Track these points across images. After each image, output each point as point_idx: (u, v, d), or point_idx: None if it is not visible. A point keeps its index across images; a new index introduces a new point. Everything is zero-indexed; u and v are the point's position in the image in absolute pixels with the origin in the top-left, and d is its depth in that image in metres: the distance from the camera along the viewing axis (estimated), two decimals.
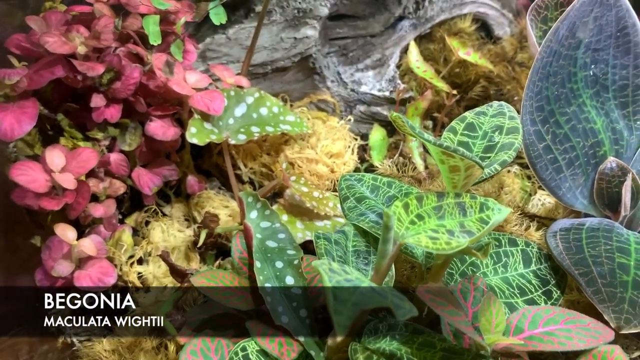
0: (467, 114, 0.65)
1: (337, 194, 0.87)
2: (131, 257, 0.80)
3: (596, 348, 0.54)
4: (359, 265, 0.62)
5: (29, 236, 0.78)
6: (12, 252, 0.80)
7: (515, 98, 0.97)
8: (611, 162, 0.73)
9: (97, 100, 0.74)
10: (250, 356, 0.58)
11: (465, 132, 0.64)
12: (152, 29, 0.69)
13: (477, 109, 0.66)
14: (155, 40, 0.70)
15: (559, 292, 0.65)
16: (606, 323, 0.57)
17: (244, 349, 0.58)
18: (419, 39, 1.05)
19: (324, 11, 0.90)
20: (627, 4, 0.74)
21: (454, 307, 0.52)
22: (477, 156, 0.62)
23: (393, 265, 0.63)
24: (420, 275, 0.64)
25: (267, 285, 0.65)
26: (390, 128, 0.98)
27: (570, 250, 0.63)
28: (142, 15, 0.78)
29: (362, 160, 0.94)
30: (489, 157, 0.61)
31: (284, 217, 0.79)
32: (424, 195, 0.54)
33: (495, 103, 0.66)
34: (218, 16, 0.72)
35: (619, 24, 0.73)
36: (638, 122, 0.76)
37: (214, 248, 0.82)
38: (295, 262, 0.67)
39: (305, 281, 0.66)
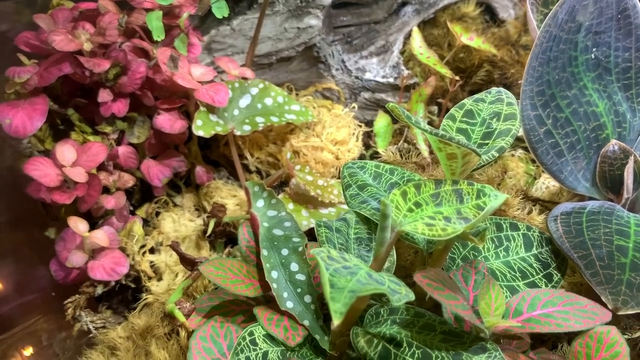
0: (466, 100, 0.66)
1: None
2: (143, 246, 0.82)
3: (592, 329, 0.54)
4: (361, 252, 0.64)
5: (45, 228, 0.81)
6: (30, 244, 0.83)
7: (519, 81, 0.97)
8: (613, 144, 0.73)
9: (104, 95, 0.76)
10: (257, 340, 0.60)
11: (464, 119, 0.65)
12: (155, 25, 0.70)
13: (476, 96, 0.66)
14: (158, 35, 0.71)
15: (559, 275, 0.66)
16: (605, 305, 0.58)
17: (251, 333, 0.60)
18: (423, 25, 1.05)
19: (327, 0, 0.91)
20: None
21: (452, 291, 0.53)
22: (475, 143, 0.63)
23: (394, 251, 0.64)
24: (422, 261, 0.66)
25: (273, 272, 0.67)
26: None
27: (570, 234, 0.64)
28: (147, 10, 0.79)
29: (367, 146, 0.95)
30: (487, 144, 0.62)
31: (290, 206, 0.80)
32: (422, 182, 0.56)
33: (494, 89, 0.66)
34: (220, 10, 0.73)
35: (619, 6, 0.73)
36: None
37: (223, 236, 0.84)
38: (300, 249, 0.69)
39: (309, 267, 0.68)
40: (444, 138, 0.53)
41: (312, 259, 0.70)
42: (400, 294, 0.46)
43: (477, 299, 0.60)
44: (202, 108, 0.78)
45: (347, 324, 0.58)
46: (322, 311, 0.65)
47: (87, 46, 0.73)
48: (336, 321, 0.42)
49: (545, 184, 0.86)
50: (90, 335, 0.76)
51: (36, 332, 0.76)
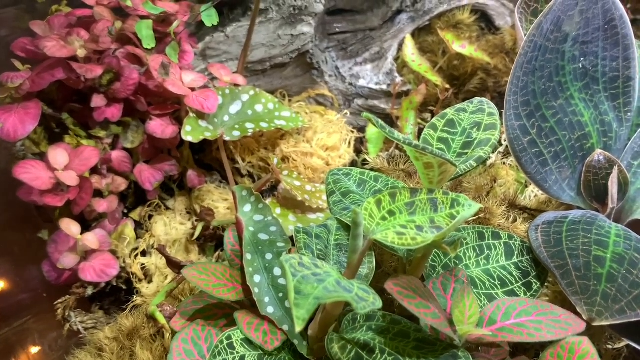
0: (448, 110, 0.67)
1: None
2: (135, 249, 0.83)
3: (564, 339, 0.55)
4: (340, 259, 0.65)
5: (38, 230, 0.82)
6: (23, 245, 0.85)
7: None
8: (598, 154, 0.73)
9: (97, 101, 0.78)
10: (235, 344, 0.61)
11: (446, 128, 0.65)
12: (146, 33, 0.71)
13: (458, 106, 0.67)
14: (149, 44, 0.73)
15: (539, 283, 0.66)
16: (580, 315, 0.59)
17: (229, 337, 0.61)
18: (418, 32, 1.06)
19: (319, 8, 0.92)
20: None
21: (423, 299, 0.54)
22: (455, 152, 0.64)
23: (374, 258, 0.65)
24: (402, 268, 0.66)
25: (256, 276, 0.68)
26: (388, 121, 1.00)
27: (549, 244, 0.64)
28: (142, 18, 0.81)
29: (358, 152, 0.96)
30: (466, 153, 0.63)
31: (277, 211, 0.81)
32: (398, 191, 0.56)
33: (475, 99, 0.67)
34: (210, 18, 0.75)
35: (606, 17, 0.73)
36: (629, 114, 0.76)
37: (214, 240, 0.86)
38: (284, 254, 0.70)
39: None
40: (418, 148, 0.54)
41: None
42: (367, 302, 0.46)
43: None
44: (191, 114, 0.79)
45: (324, 329, 0.59)
46: None
47: (81, 52, 0.75)
48: (298, 327, 0.42)
49: (535, 193, 0.86)
50: (80, 335, 0.78)
51: (27, 332, 0.77)
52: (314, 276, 0.48)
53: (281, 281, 0.68)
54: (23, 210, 0.83)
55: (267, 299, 0.66)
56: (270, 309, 0.65)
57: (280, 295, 0.67)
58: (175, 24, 0.75)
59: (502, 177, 0.89)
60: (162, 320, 0.62)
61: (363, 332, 0.57)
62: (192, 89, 0.79)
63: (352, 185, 0.71)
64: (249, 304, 0.71)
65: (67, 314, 0.77)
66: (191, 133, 0.78)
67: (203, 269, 0.69)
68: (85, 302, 0.82)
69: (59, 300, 0.77)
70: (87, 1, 0.82)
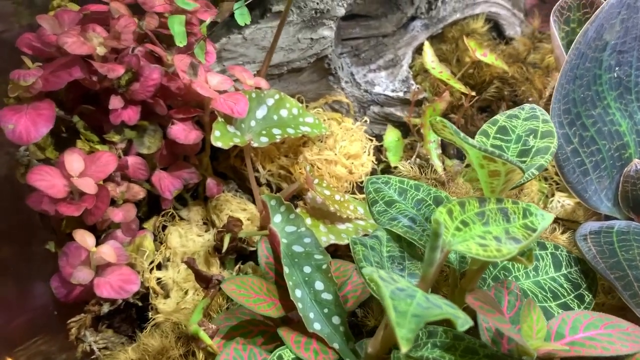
0: (498, 117, 0.65)
1: (355, 196, 0.86)
2: (151, 262, 0.78)
3: (638, 353, 0.53)
4: (394, 271, 0.61)
5: (42, 242, 0.76)
6: (25, 259, 0.77)
7: (530, 99, 0.97)
8: (636, 164, 0.73)
9: (115, 102, 0.72)
10: None
11: (498, 135, 0.63)
12: (178, 30, 0.67)
13: (509, 112, 0.65)
14: (181, 41, 0.68)
15: (590, 295, 0.65)
16: None
17: (280, 357, 0.57)
18: (430, 40, 1.04)
19: (341, 11, 0.89)
20: None
21: (501, 314, 0.51)
22: None
23: None
24: (454, 281, 0.63)
25: (297, 291, 0.64)
26: (404, 129, 0.98)
27: (603, 254, 0.63)
28: (159, 15, 0.76)
29: (378, 161, 0.93)
30: (524, 162, 0.61)
31: (308, 221, 0.77)
32: (466, 200, 0.54)
33: (527, 106, 0.65)
34: (243, 16, 0.70)
35: None
36: None
37: (234, 252, 0.81)
38: (324, 266, 0.66)
39: (335, 286, 0.65)
40: (494, 154, 0.51)
41: (337, 277, 0.67)
42: (462, 319, 0.43)
43: (512, 321, 0.59)
44: (219, 119, 0.75)
45: (386, 347, 0.56)
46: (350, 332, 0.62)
47: (101, 50, 0.69)
48: (404, 348, 0.39)
49: (561, 202, 0.85)
50: (93, 356, 0.71)
51: (35, 355, 0.70)
52: (400, 291, 0.45)
53: (324, 296, 0.64)
54: (26, 220, 0.76)
55: (312, 315, 0.62)
56: (317, 326, 0.61)
57: (326, 311, 0.63)
58: (207, 21, 0.71)
59: (527, 187, 0.87)
60: (207, 340, 0.57)
61: (429, 350, 0.54)
62: (219, 92, 0.74)
63: (394, 194, 0.68)
64: (280, 321, 0.67)
65: (82, 333, 0.70)
66: (220, 139, 0.73)
67: (241, 282, 0.64)
68: (93, 321, 0.75)
69: (74, 319, 0.71)
70: None
